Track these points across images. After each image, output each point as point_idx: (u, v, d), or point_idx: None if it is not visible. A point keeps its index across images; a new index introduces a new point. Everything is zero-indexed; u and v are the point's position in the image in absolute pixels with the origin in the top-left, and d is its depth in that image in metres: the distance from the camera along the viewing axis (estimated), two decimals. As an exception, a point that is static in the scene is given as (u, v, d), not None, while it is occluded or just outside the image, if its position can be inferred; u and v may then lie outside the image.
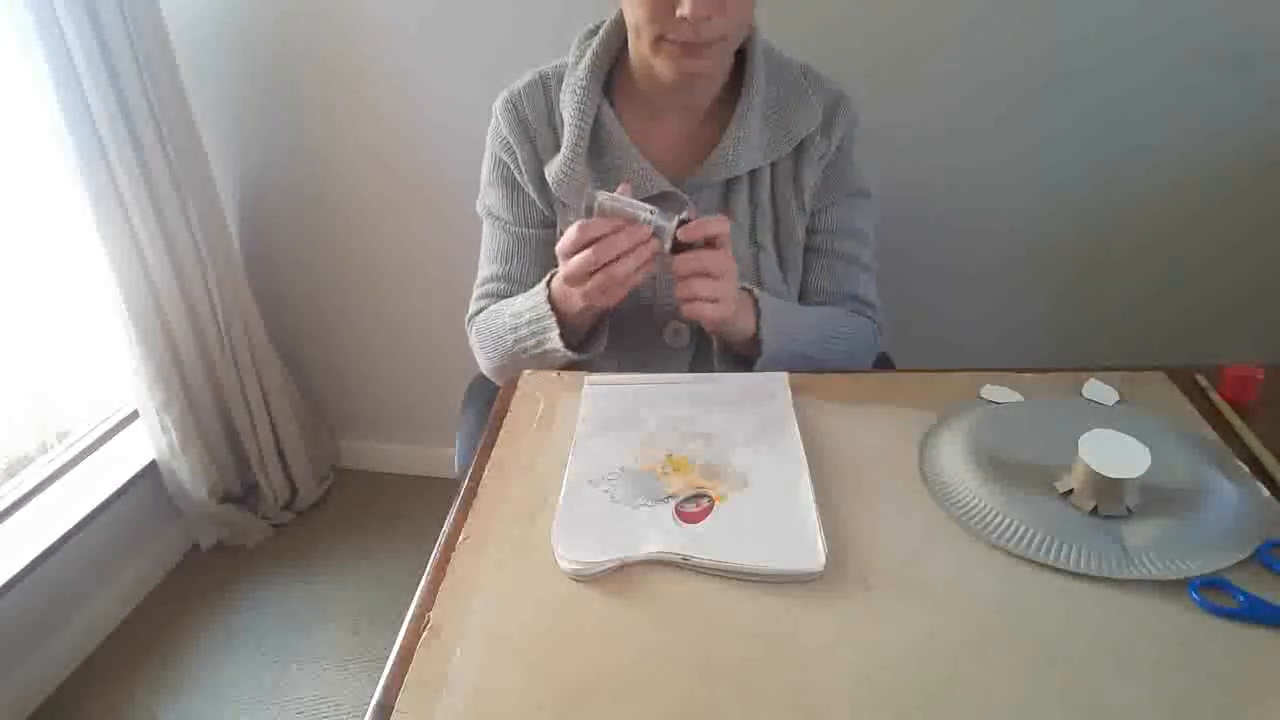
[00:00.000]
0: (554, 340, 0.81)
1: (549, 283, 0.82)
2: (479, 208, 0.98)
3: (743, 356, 0.86)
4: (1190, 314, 1.42)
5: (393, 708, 0.49)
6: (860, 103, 0.92)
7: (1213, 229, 1.34)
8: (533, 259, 0.95)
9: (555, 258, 0.90)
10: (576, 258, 0.73)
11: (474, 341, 0.96)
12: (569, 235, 0.73)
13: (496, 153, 0.93)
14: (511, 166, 0.92)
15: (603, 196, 0.72)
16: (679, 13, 0.73)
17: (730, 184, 0.89)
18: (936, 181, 1.37)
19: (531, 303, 0.84)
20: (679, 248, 0.74)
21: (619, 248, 0.71)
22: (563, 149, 0.87)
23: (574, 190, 0.88)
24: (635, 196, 0.88)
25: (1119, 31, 1.21)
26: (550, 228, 0.94)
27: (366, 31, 1.43)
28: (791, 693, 0.48)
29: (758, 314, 0.82)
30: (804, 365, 0.81)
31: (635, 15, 0.78)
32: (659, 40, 0.77)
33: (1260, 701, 0.47)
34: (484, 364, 0.95)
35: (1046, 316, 1.46)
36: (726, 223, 0.75)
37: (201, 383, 1.58)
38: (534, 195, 0.92)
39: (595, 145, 0.88)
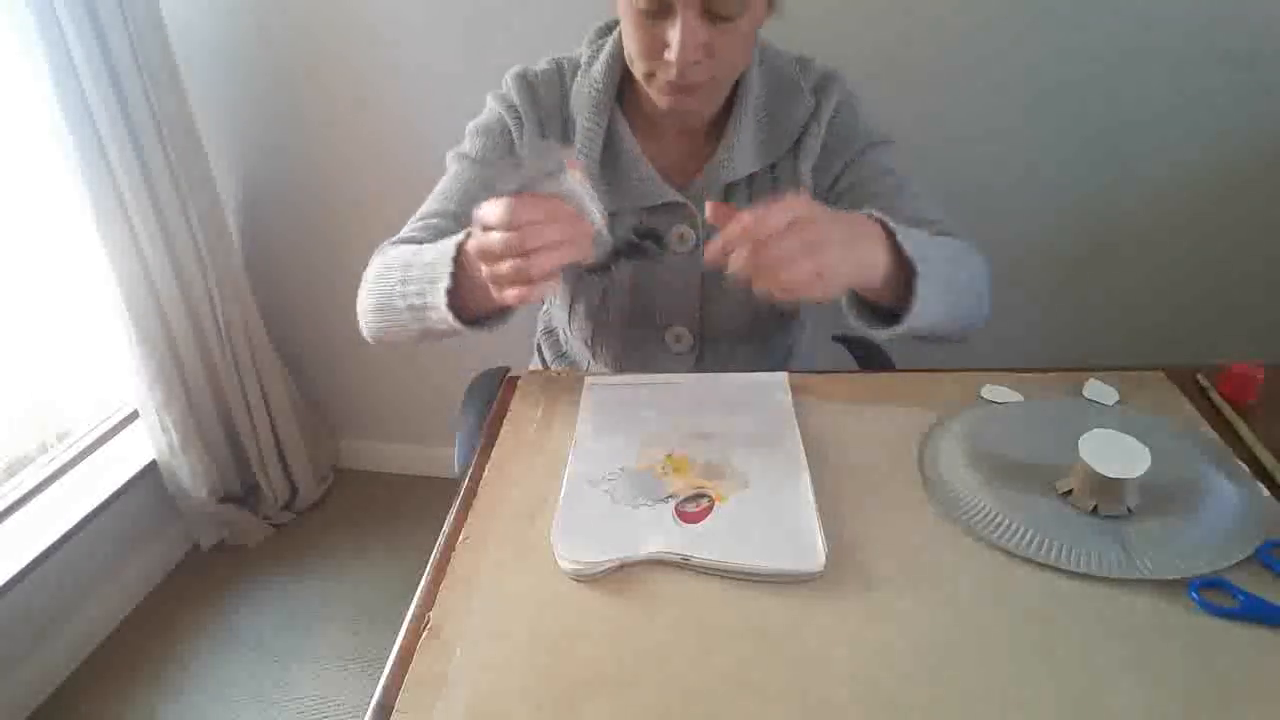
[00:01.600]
0: (438, 294, 0.68)
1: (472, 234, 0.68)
2: (450, 154, 0.91)
3: (881, 312, 0.71)
4: (1190, 314, 1.42)
5: (393, 708, 0.49)
6: (859, 102, 0.91)
7: (1213, 229, 1.34)
8: None
9: None
10: (497, 235, 0.60)
11: (368, 273, 0.83)
12: (499, 205, 0.59)
13: (500, 113, 0.88)
14: (515, 134, 0.88)
15: (577, 175, 0.63)
16: (666, 55, 0.73)
17: (729, 188, 0.89)
18: (936, 182, 1.37)
19: (439, 249, 0.71)
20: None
21: (548, 237, 0.59)
22: (578, 150, 0.86)
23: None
24: (644, 205, 0.87)
25: (1119, 32, 1.21)
26: None
27: (367, 32, 1.43)
28: (791, 693, 0.48)
29: (889, 235, 0.66)
30: (949, 311, 0.70)
31: (629, 47, 0.78)
32: (650, 76, 0.78)
33: (1260, 701, 0.47)
34: (362, 302, 0.83)
35: (1046, 316, 1.46)
36: (787, 208, 0.59)
37: (201, 383, 1.58)
38: None
39: (606, 151, 0.87)
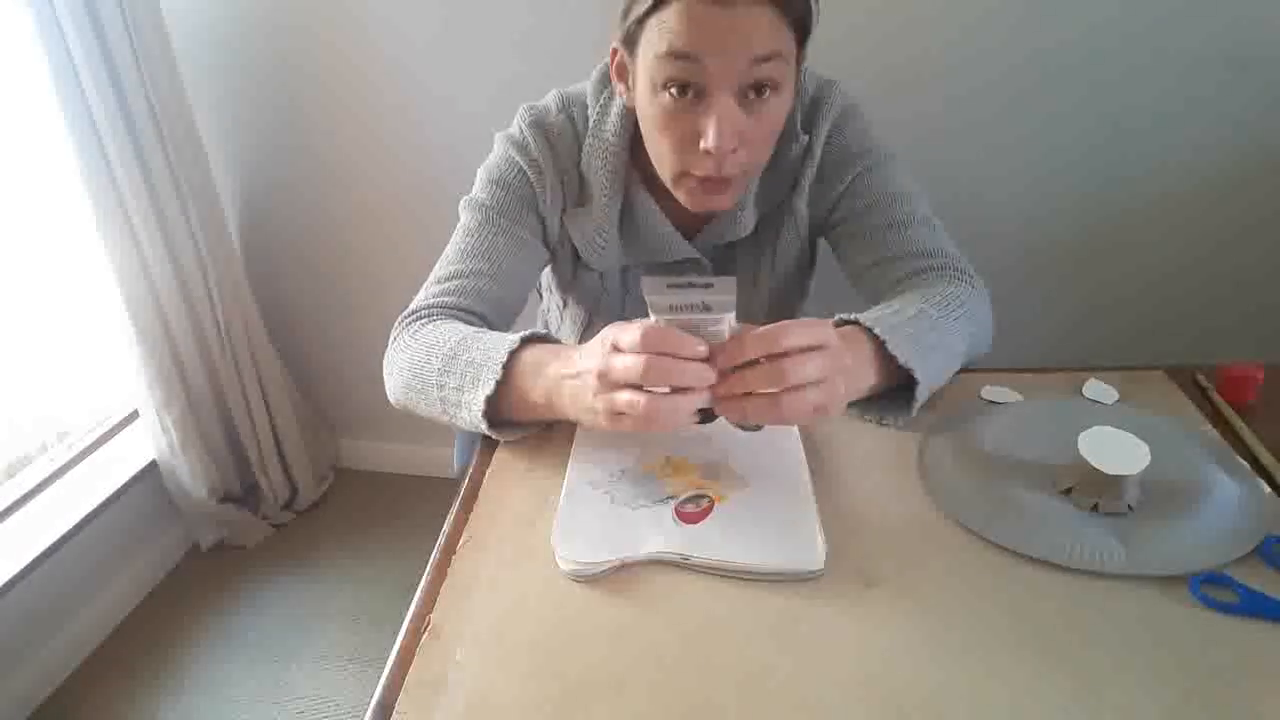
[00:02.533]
0: (476, 398, 0.66)
1: (525, 340, 0.68)
2: (464, 203, 0.86)
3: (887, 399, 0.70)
4: (1190, 314, 1.42)
5: (393, 708, 0.49)
6: (857, 113, 0.90)
7: (1213, 229, 1.34)
8: (521, 281, 0.85)
9: (520, 302, 0.85)
10: (628, 360, 0.55)
11: (397, 354, 0.77)
12: (637, 329, 0.55)
13: (521, 164, 0.83)
14: (537, 187, 0.84)
15: (734, 322, 0.57)
16: (703, 145, 0.68)
17: (735, 242, 0.89)
18: (935, 182, 1.36)
19: (486, 347, 0.68)
20: None
21: (687, 379, 0.55)
22: (594, 216, 0.84)
23: (607, 260, 0.86)
24: (660, 260, 0.87)
25: (1120, 31, 1.21)
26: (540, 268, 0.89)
27: (367, 32, 1.43)
28: (791, 692, 0.48)
29: (875, 339, 0.65)
30: (950, 370, 0.71)
31: (657, 146, 0.73)
32: (681, 175, 0.73)
33: (1262, 696, 0.47)
34: (392, 375, 0.77)
35: (1046, 316, 1.46)
36: (791, 331, 0.56)
37: (201, 383, 1.58)
38: (545, 227, 0.86)
39: (622, 212, 0.85)
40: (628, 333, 0.56)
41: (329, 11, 1.43)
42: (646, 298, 0.57)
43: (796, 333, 0.55)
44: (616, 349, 0.57)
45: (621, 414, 0.57)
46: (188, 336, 1.53)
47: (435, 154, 1.52)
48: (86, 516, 1.46)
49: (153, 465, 1.59)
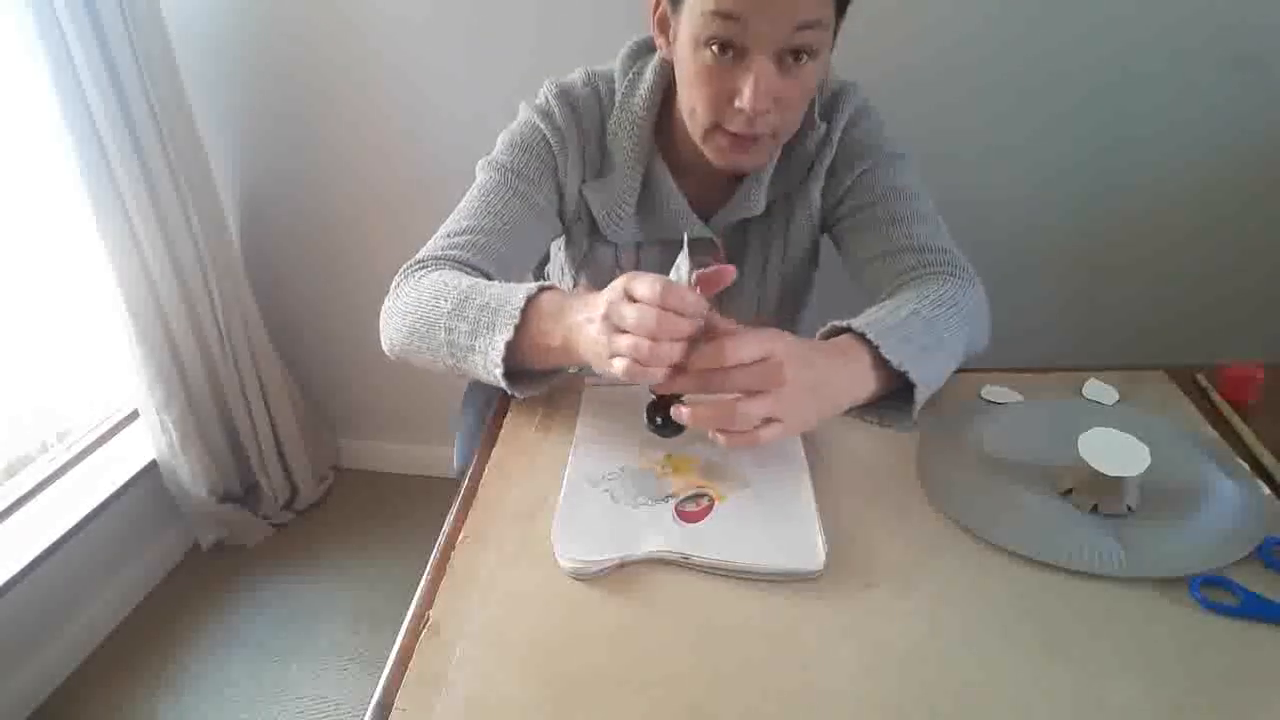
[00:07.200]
0: (495, 344, 0.65)
1: (543, 288, 0.67)
2: (482, 163, 0.86)
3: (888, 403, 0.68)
4: (1190, 314, 1.42)
5: (392, 706, 0.49)
6: (871, 113, 0.90)
7: (1214, 228, 1.34)
8: (529, 245, 0.86)
9: (526, 266, 0.86)
10: (636, 310, 0.57)
11: (401, 299, 0.75)
12: (653, 281, 0.58)
13: (544, 131, 0.84)
14: (559, 155, 0.84)
15: (701, 300, 0.60)
16: (737, 103, 0.71)
17: (747, 220, 0.89)
18: (938, 181, 1.37)
19: (503, 293, 0.67)
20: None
21: (680, 330, 0.57)
22: (614, 187, 0.85)
23: (624, 233, 0.87)
24: (673, 239, 0.87)
25: (1122, 31, 1.21)
26: (554, 235, 0.90)
27: (367, 32, 1.43)
28: (792, 692, 0.48)
29: (870, 345, 0.64)
30: (950, 369, 0.70)
31: (692, 100, 0.75)
32: (713, 129, 0.75)
33: (1261, 698, 0.47)
34: (393, 320, 0.76)
35: (1046, 316, 1.46)
36: (749, 341, 0.58)
37: (201, 383, 1.58)
38: (562, 197, 0.87)
39: (642, 188, 0.86)
40: (644, 284, 0.58)
41: (329, 11, 1.43)
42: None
43: (744, 348, 0.57)
44: (630, 297, 0.58)
45: (618, 356, 0.58)
46: (188, 336, 1.53)
47: (436, 154, 1.52)
48: (86, 516, 1.46)
49: (153, 465, 1.59)
